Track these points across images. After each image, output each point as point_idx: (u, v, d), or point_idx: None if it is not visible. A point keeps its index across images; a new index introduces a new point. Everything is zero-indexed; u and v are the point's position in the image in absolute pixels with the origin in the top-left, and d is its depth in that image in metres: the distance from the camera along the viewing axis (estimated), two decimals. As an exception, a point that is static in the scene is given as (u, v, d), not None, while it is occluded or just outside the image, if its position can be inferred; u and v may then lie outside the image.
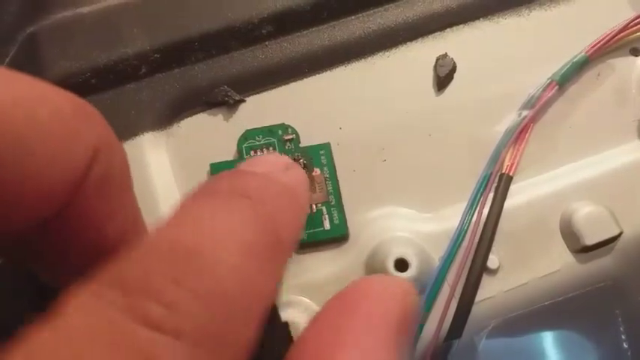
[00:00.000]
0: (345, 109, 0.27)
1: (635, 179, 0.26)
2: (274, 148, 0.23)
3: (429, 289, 0.24)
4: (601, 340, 0.25)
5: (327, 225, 0.22)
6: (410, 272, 0.23)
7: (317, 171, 0.23)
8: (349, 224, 0.25)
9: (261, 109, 0.27)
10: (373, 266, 0.24)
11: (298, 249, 0.23)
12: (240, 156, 0.23)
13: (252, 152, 0.23)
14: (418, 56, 0.28)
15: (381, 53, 0.28)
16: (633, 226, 0.25)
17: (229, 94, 0.26)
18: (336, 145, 0.26)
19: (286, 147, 0.24)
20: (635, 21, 0.28)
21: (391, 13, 0.28)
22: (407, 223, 0.25)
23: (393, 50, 0.28)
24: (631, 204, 0.25)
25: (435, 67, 0.28)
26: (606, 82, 0.28)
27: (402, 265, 0.24)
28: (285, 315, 0.23)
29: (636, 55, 0.28)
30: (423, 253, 0.24)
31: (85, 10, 0.28)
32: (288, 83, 0.27)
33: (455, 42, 0.28)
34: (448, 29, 0.29)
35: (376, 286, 0.13)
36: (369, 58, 0.28)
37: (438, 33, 0.28)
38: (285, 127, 0.24)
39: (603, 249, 0.25)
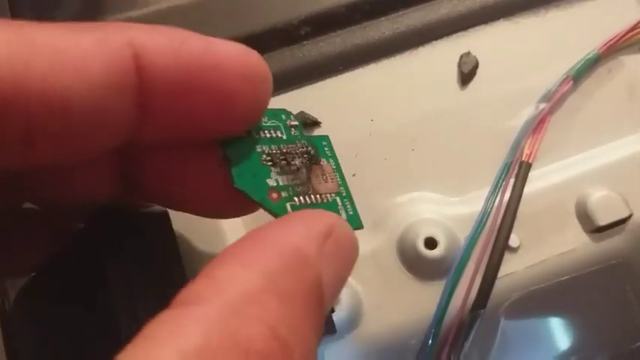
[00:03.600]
0: (376, 102, 0.30)
1: (644, 166, 0.28)
2: (281, 132, 0.21)
3: (455, 265, 0.26)
4: (614, 311, 0.27)
5: (343, 216, 0.21)
6: (438, 250, 0.26)
7: (324, 161, 0.22)
8: (383, 208, 0.28)
9: (300, 103, 0.29)
10: (404, 245, 0.27)
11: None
12: (249, 134, 0.20)
13: (261, 133, 0.20)
14: (443, 54, 0.30)
15: (409, 51, 0.30)
16: (642, 208, 0.27)
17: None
18: (368, 135, 0.29)
19: (292, 133, 0.21)
20: (644, 21, 0.30)
21: (418, 14, 0.31)
22: (435, 207, 0.28)
23: (420, 48, 0.30)
24: (640, 188, 0.28)
25: (459, 64, 0.30)
26: (617, 78, 0.30)
27: (431, 243, 0.26)
28: (327, 288, 0.25)
29: (645, 53, 0.31)
30: (450, 233, 0.27)
31: (136, 13, 0.30)
32: (324, 79, 0.30)
33: (477, 41, 0.30)
34: (471, 29, 0.31)
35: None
36: (398, 55, 0.30)
37: (462, 32, 0.31)
38: (287, 114, 0.22)
39: (615, 229, 0.27)
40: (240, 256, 0.13)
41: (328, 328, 0.25)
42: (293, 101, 0.29)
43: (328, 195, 0.20)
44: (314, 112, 0.29)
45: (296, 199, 0.19)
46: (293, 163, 0.20)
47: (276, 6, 0.30)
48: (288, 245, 0.14)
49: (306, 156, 0.21)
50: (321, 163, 0.21)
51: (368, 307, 0.26)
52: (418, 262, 0.26)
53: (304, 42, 0.30)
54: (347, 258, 0.16)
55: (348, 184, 0.26)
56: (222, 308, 0.12)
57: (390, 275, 0.26)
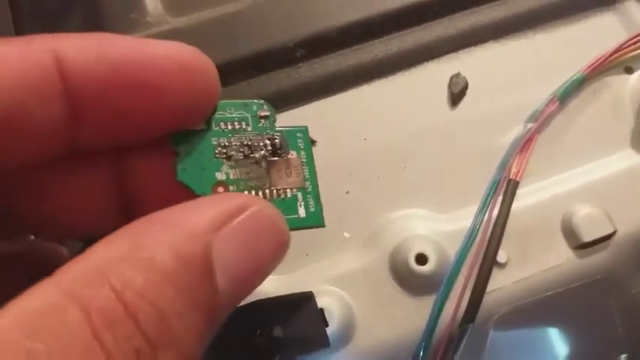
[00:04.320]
0: (369, 122, 0.31)
1: (628, 183, 0.29)
2: (247, 124, 0.20)
3: (445, 280, 0.27)
4: (598, 325, 0.28)
5: (302, 213, 0.20)
6: (429, 266, 0.27)
7: (293, 153, 0.20)
8: (376, 225, 0.29)
9: (295, 123, 0.30)
10: (396, 260, 0.28)
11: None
12: (209, 127, 0.20)
13: (222, 124, 0.20)
14: (434, 75, 0.31)
15: (401, 72, 0.31)
16: (626, 225, 0.28)
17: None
18: (362, 154, 0.30)
19: (260, 124, 0.20)
20: (628, 42, 0.31)
21: (410, 36, 0.32)
22: (426, 223, 0.28)
23: (412, 70, 0.31)
24: (624, 205, 0.28)
25: (449, 84, 0.31)
26: (602, 98, 0.31)
27: (421, 259, 0.27)
28: (320, 302, 0.26)
29: (630, 73, 0.32)
30: (441, 249, 0.27)
31: (138, 35, 0.31)
32: (318, 100, 0.31)
33: (467, 62, 0.32)
34: (461, 50, 0.32)
35: None
36: (391, 77, 0.31)
37: (452, 54, 0.32)
38: (260, 104, 0.21)
39: (599, 246, 0.28)
40: (120, 232, 0.14)
41: (322, 342, 0.26)
42: (288, 121, 0.30)
43: (288, 190, 0.20)
44: (309, 132, 0.30)
45: (246, 193, 0.18)
46: (252, 155, 0.19)
47: (272, 29, 0.31)
48: (171, 220, 0.14)
49: (270, 148, 0.20)
50: (290, 156, 0.20)
51: (361, 321, 0.27)
52: (409, 277, 0.27)
53: (299, 64, 0.31)
54: (260, 238, 0.15)
55: (342, 201, 0.26)
56: (73, 275, 0.12)
57: (382, 290, 0.27)
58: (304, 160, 0.21)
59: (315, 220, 0.20)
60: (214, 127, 0.19)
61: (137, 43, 0.15)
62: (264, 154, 0.20)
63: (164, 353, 0.12)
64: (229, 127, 0.20)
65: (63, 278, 0.12)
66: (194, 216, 0.14)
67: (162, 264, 0.13)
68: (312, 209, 0.20)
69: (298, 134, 0.21)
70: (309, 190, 0.20)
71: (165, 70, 0.15)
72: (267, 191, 0.19)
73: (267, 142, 0.20)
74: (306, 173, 0.21)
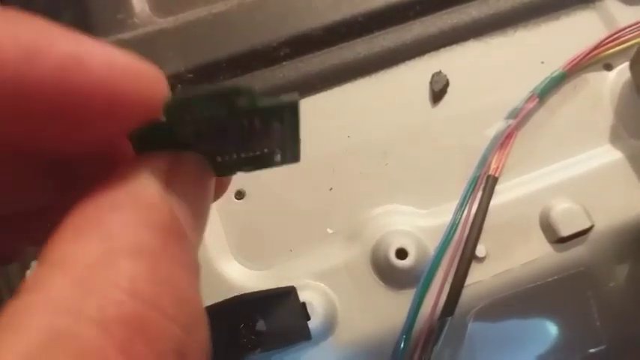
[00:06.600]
0: (352, 119, 0.31)
1: (606, 179, 0.29)
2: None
3: (425, 274, 0.28)
4: (575, 318, 0.28)
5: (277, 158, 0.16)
6: (409, 260, 0.27)
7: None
8: (358, 221, 0.29)
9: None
10: (377, 255, 0.28)
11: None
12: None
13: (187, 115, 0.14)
14: (416, 73, 0.32)
15: (383, 71, 0.32)
16: (603, 220, 0.28)
17: None
18: (345, 151, 0.30)
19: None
20: (608, 40, 0.32)
21: (392, 35, 0.32)
22: (407, 219, 0.29)
23: (394, 68, 0.32)
24: (602, 201, 0.29)
25: (431, 82, 0.32)
26: (581, 94, 0.32)
27: (402, 254, 0.27)
28: (303, 296, 0.27)
29: (609, 70, 0.32)
30: (421, 243, 0.28)
31: (126, 36, 0.32)
32: (302, 98, 0.31)
33: (448, 60, 0.32)
34: (442, 49, 0.32)
35: None
36: (373, 75, 0.32)
37: (433, 52, 0.32)
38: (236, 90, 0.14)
39: (577, 240, 0.28)
40: (77, 226, 0.12)
41: (304, 335, 0.26)
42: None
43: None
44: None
45: None
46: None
47: (257, 29, 0.31)
48: (125, 197, 0.12)
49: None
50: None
51: (342, 315, 0.28)
52: (390, 271, 0.28)
53: (283, 62, 0.32)
54: (198, 187, 0.14)
55: (325, 197, 0.26)
56: (62, 286, 0.10)
57: (363, 284, 0.28)
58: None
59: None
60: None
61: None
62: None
63: (194, 335, 0.11)
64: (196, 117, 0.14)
65: (51, 295, 0.10)
66: (139, 185, 0.12)
67: (151, 244, 0.11)
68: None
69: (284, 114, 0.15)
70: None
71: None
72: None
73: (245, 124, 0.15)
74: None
